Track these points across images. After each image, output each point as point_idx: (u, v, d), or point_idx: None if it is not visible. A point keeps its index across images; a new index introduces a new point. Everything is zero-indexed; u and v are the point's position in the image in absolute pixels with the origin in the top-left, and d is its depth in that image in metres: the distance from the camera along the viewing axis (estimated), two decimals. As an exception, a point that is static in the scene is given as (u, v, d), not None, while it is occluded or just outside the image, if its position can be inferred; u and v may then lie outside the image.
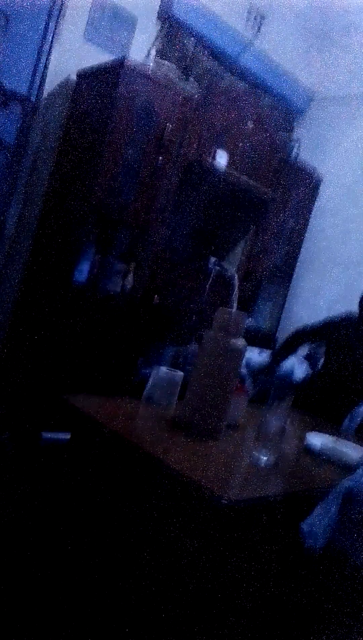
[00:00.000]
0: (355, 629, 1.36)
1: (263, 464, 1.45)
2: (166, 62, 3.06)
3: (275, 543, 1.34)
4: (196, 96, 3.01)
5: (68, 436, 1.60)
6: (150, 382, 1.76)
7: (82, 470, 1.52)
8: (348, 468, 1.56)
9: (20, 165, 2.94)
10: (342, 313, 2.68)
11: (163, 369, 1.78)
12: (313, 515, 1.26)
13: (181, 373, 1.78)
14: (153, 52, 3.16)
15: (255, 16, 3.60)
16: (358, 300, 2.61)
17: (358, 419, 2.27)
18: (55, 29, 2.89)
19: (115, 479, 1.43)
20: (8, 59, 2.83)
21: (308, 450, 1.72)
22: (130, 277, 2.97)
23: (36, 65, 2.90)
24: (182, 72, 3.19)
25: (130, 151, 2.80)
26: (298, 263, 4.00)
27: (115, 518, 1.39)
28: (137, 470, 1.37)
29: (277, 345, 3.08)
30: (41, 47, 2.89)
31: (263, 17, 3.60)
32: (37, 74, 2.91)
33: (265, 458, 1.45)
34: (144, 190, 2.86)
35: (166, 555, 1.25)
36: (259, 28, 3.61)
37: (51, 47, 2.90)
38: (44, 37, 2.89)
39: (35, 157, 2.97)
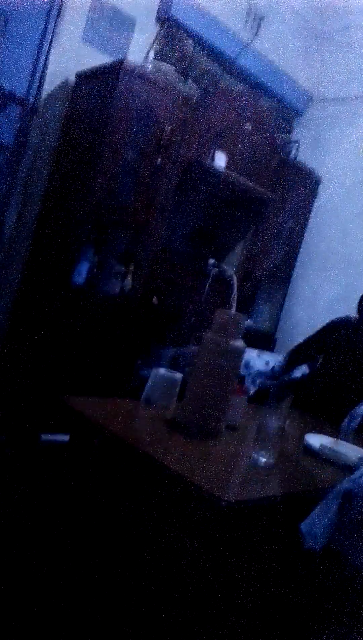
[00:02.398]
0: (355, 629, 1.36)
1: (262, 465, 1.45)
2: (165, 63, 3.06)
3: (275, 543, 1.34)
4: (195, 97, 3.01)
5: (67, 438, 1.60)
6: (149, 383, 1.76)
7: (82, 472, 1.52)
8: (347, 469, 1.56)
9: (19, 166, 2.94)
10: (341, 316, 2.68)
11: (162, 370, 1.78)
12: (312, 515, 1.26)
13: (180, 374, 1.78)
14: (152, 54, 3.16)
15: (254, 17, 3.60)
16: (358, 301, 2.61)
17: (357, 420, 2.27)
18: (53, 30, 2.90)
19: (114, 480, 1.42)
20: (7, 60, 2.83)
21: (307, 451, 1.72)
22: (129, 278, 2.98)
23: (35, 67, 2.90)
24: (181, 74, 3.20)
25: (129, 152, 2.80)
26: (297, 263, 4.00)
27: (115, 519, 1.39)
28: (136, 471, 1.37)
29: (281, 357, 3.06)
30: (40, 48, 2.90)
31: (261, 19, 3.61)
32: (35, 75, 2.91)
33: (264, 459, 1.45)
34: (143, 191, 2.86)
35: (166, 556, 1.25)
36: (257, 29, 3.62)
37: (49, 49, 2.90)
38: (43, 38, 2.89)
39: (34, 158, 2.97)
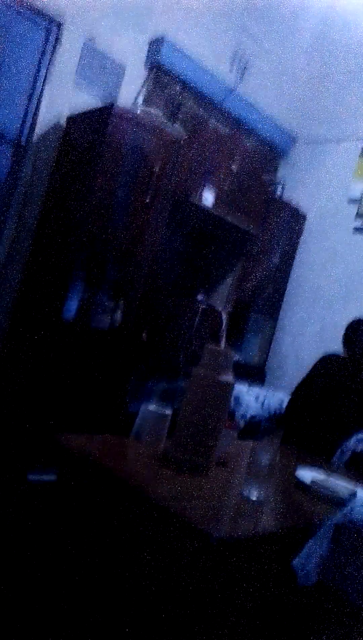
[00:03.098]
0: (355, 629, 1.33)
1: (253, 500, 1.44)
2: (153, 108, 3.17)
3: (268, 578, 1.32)
4: (183, 139, 3.11)
5: (54, 477, 1.59)
6: (139, 419, 1.75)
7: (71, 509, 1.50)
8: (338, 503, 1.56)
9: (11, 204, 2.99)
10: (329, 352, 2.70)
11: (151, 405, 1.78)
12: (304, 551, 1.25)
13: (170, 409, 1.78)
14: (141, 98, 3.28)
15: (239, 63, 3.76)
16: (343, 334, 2.65)
17: (348, 454, 2.27)
18: (46, 74, 3.00)
19: (104, 516, 1.41)
20: (0, 101, 2.92)
21: (299, 486, 1.71)
22: (118, 314, 2.99)
23: (27, 109, 3.00)
24: (169, 117, 3.31)
25: (119, 190, 2.86)
26: (285, 297, 4.06)
27: (105, 555, 1.36)
28: (127, 507, 1.35)
29: (275, 397, 3.06)
30: (32, 91, 3.00)
31: (246, 63, 3.77)
32: (28, 117, 3.00)
33: (255, 494, 1.45)
34: (133, 227, 2.91)
35: (158, 591, 1.23)
36: (243, 74, 3.77)
37: (42, 92, 3.00)
38: (35, 82, 2.99)
39: (25, 197, 3.02)
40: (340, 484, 1.76)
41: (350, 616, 1.34)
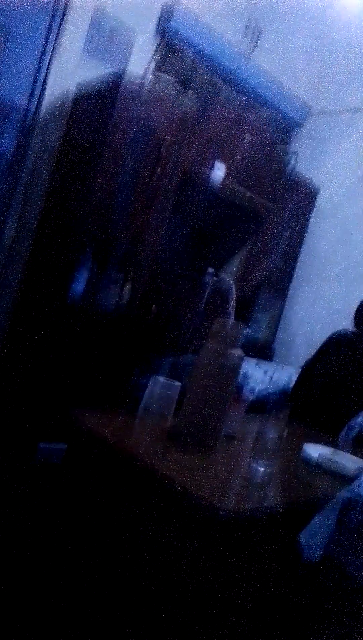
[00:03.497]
0: (355, 629, 1.35)
1: (261, 475, 1.44)
2: (165, 75, 3.09)
3: (274, 553, 1.33)
4: (195, 108, 3.04)
5: (64, 447, 1.60)
6: (147, 392, 1.75)
7: (79, 483, 1.51)
8: (345, 479, 1.56)
9: (20, 174, 2.96)
10: (339, 329, 2.68)
11: (160, 379, 1.78)
12: (310, 526, 1.26)
13: (179, 383, 1.77)
14: (152, 65, 3.19)
15: (253, 30, 3.65)
16: (355, 313, 2.63)
17: (356, 430, 2.27)
18: (54, 43, 2.93)
19: (112, 491, 1.42)
20: (7, 73, 2.86)
21: (306, 462, 1.71)
22: (127, 288, 2.98)
23: (35, 78, 2.93)
24: (181, 85, 3.23)
25: (128, 163, 2.81)
26: (295, 273, 4.02)
27: (112, 530, 1.38)
28: (134, 482, 1.36)
29: (284, 372, 3.05)
30: (41, 59, 2.92)
31: (260, 32, 3.65)
32: (36, 86, 2.94)
33: (262, 469, 1.45)
34: (142, 201, 2.87)
35: (165, 567, 1.25)
36: (256, 42, 3.66)
37: (51, 59, 2.93)
38: (44, 49, 2.92)
39: (34, 167, 2.98)
40: (348, 460, 1.76)
41: (350, 616, 1.35)
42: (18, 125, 2.92)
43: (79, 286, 2.80)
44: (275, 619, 1.37)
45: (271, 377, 3.06)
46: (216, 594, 1.22)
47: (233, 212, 3.50)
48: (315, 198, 3.98)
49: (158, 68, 3.21)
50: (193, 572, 1.19)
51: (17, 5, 2.82)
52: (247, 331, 3.54)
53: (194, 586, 1.19)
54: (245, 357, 1.62)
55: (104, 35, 3.06)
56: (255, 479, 1.43)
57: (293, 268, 4.01)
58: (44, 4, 2.90)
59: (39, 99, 2.93)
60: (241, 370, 1.66)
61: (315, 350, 2.70)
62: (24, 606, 1.48)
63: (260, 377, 3.07)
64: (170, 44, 3.29)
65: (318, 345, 2.71)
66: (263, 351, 3.81)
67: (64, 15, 2.92)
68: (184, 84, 3.29)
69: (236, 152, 3.27)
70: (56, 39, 2.92)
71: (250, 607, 1.30)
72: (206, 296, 3.02)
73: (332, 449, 1.82)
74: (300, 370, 2.75)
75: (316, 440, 1.91)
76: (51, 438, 2.55)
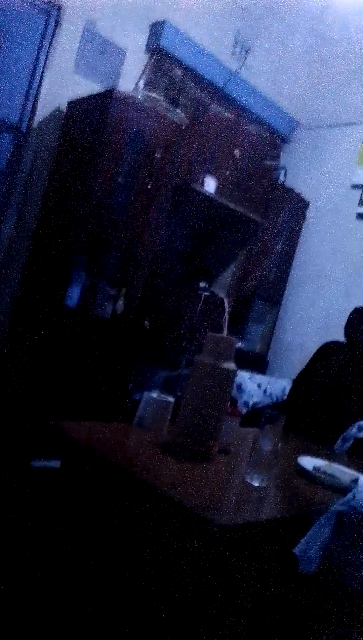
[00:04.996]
0: (355, 629, 1.34)
1: (255, 488, 1.44)
2: (154, 93, 3.13)
3: (269, 566, 1.32)
4: (184, 124, 3.07)
5: (58, 463, 1.59)
6: (141, 407, 1.75)
7: (73, 497, 1.50)
8: (340, 491, 1.56)
9: (12, 192, 2.97)
10: (331, 340, 2.70)
11: (153, 393, 1.78)
12: (305, 539, 1.25)
13: (172, 398, 1.77)
14: (142, 82, 3.23)
15: (241, 48, 3.71)
16: (345, 323, 2.64)
17: (350, 442, 2.27)
18: (46, 59, 2.96)
19: (106, 504, 1.41)
20: (0, 87, 2.89)
21: (301, 473, 1.71)
22: (121, 302, 2.99)
23: (27, 94, 2.96)
24: (170, 102, 3.27)
25: (121, 177, 2.84)
26: (288, 285, 4.05)
27: (107, 544, 1.37)
28: (128, 495, 1.35)
29: (278, 383, 3.06)
30: (33, 76, 2.96)
31: (248, 49, 3.72)
32: (28, 103, 2.97)
33: (257, 481, 1.45)
34: (135, 215, 2.89)
35: (160, 580, 1.24)
36: (244, 59, 3.72)
37: (42, 77, 2.96)
38: (35, 66, 2.96)
39: (26, 183, 3.00)
40: (343, 471, 1.76)
41: (350, 616, 1.34)
42: (11, 137, 2.95)
43: (74, 296, 2.80)
44: (275, 619, 1.36)
45: (265, 390, 3.06)
46: (216, 595, 1.21)
47: (224, 224, 3.53)
48: (306, 210, 4.03)
49: (148, 85, 3.25)
50: (188, 586, 1.18)
51: (10, 17, 2.86)
52: (240, 344, 3.55)
53: (192, 591, 1.18)
54: (239, 370, 1.63)
55: (95, 54, 3.10)
56: (249, 491, 1.42)
57: (286, 279, 4.04)
58: (36, 19, 2.94)
59: (31, 113, 2.96)
60: (234, 383, 1.67)
61: (307, 361, 2.71)
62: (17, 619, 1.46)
63: (254, 389, 3.08)
64: (159, 61, 3.34)
65: (311, 355, 2.72)
66: (257, 362, 3.82)
67: (54, 32, 2.97)
68: (174, 100, 3.33)
69: (226, 166, 3.31)
70: (47, 55, 2.96)
71: (250, 607, 1.29)
72: (199, 309, 3.03)
73: (326, 462, 1.82)
74: (292, 383, 2.76)
75: (311, 452, 1.91)
76: (45, 452, 2.53)
